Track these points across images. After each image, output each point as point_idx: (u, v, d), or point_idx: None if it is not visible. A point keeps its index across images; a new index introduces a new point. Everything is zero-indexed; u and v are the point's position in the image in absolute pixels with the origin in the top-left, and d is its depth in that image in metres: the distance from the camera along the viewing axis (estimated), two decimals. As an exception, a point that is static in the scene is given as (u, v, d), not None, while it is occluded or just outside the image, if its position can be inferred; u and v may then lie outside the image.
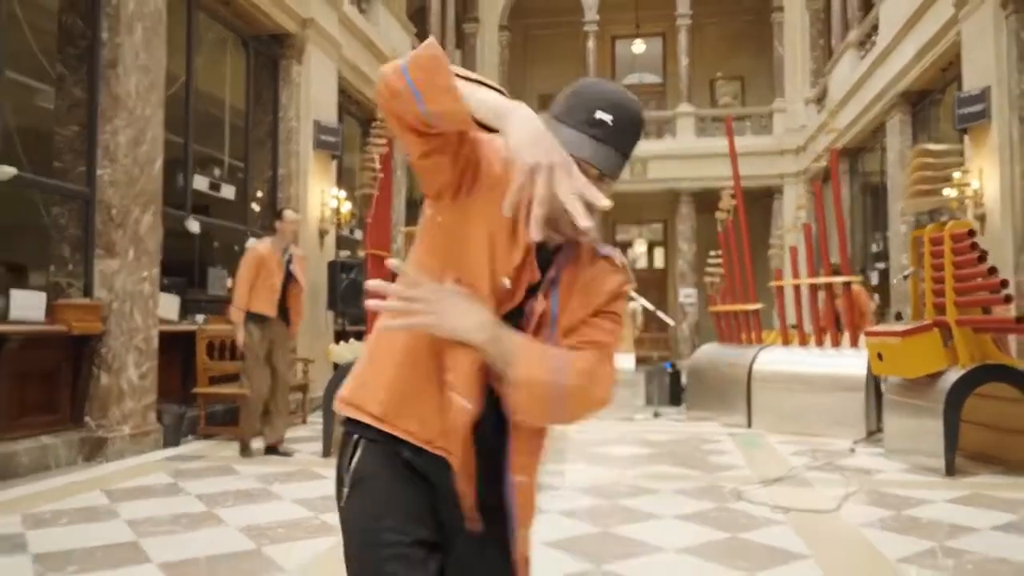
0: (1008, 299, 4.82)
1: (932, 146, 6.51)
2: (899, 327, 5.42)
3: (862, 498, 4.48)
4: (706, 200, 14.45)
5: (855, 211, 13.64)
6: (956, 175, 7.73)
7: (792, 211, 14.21)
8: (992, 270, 4.89)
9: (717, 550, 3.44)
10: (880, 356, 5.58)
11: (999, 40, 7.49)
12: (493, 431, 1.31)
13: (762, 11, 18.06)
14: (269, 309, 5.74)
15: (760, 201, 16.64)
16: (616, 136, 1.26)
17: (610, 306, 1.35)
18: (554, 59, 20.05)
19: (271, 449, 5.84)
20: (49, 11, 5.92)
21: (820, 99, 15.71)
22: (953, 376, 5.07)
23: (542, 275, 1.30)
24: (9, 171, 4.93)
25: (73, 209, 5.66)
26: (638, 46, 19.67)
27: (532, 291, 1.30)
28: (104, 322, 5.53)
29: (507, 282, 1.27)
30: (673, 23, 18.07)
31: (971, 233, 5.07)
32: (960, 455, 5.62)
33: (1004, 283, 4.80)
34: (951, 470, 5.03)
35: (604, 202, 1.14)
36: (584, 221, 1.10)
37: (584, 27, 18.12)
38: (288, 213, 6.01)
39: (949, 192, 7.68)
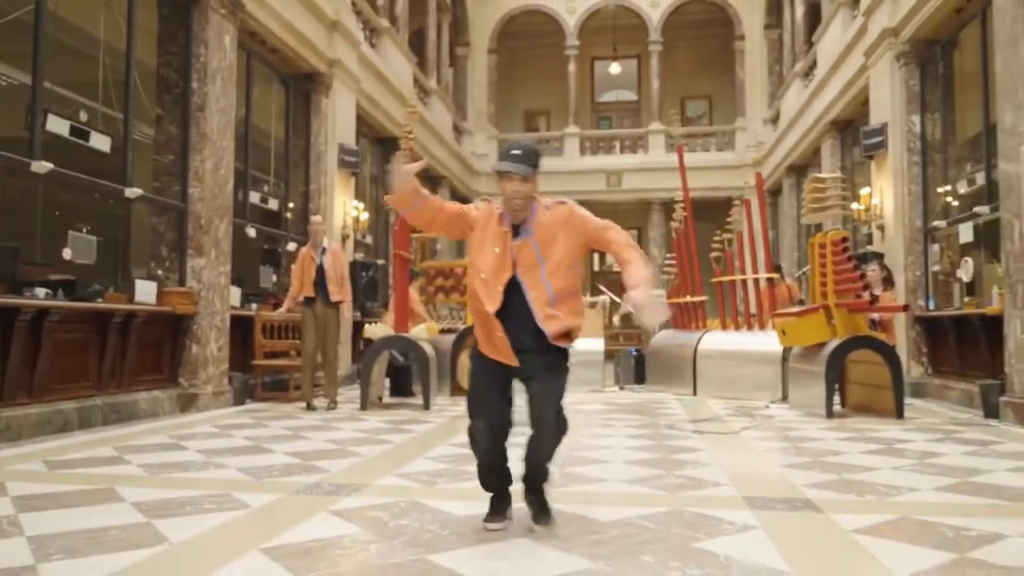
0: (866, 287, 6.67)
1: (821, 175, 8.34)
2: (795, 309, 7.26)
3: (759, 428, 6.29)
4: (674, 209, 16.29)
5: (799, 220, 15.53)
6: (863, 191, 9.62)
7: (743, 220, 16.06)
8: (856, 267, 6.73)
9: (649, 451, 5.22)
10: (784, 332, 7.42)
11: (894, 86, 9.39)
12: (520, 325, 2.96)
13: (726, 38, 20.00)
14: (310, 292, 7.49)
15: (723, 209, 18.49)
16: (520, 157, 2.85)
17: (586, 223, 2.94)
18: (538, 79, 21.92)
19: (330, 403, 7.57)
20: (149, 66, 7.61)
21: (775, 120, 17.65)
22: (833, 345, 6.90)
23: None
24: (136, 191, 6.65)
25: (170, 219, 7.37)
26: (615, 67, 21.58)
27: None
28: (196, 305, 7.24)
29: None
30: (646, 47, 19.96)
31: (844, 240, 6.90)
32: (846, 409, 7.49)
33: (863, 275, 6.65)
34: (830, 414, 6.84)
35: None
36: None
37: (566, 50, 19.97)
38: (312, 218, 7.85)
39: (856, 206, 9.57)
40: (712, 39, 21.01)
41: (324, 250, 7.59)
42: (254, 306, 8.77)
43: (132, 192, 6.64)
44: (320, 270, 7.49)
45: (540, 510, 3.07)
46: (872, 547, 2.80)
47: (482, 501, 3.55)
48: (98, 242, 6.67)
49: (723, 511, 3.35)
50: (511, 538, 2.97)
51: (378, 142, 13.24)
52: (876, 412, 7.16)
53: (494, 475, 3.13)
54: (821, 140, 13.02)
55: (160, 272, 7.34)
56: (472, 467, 4.42)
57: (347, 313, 7.77)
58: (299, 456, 4.80)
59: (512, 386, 3.03)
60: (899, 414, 6.80)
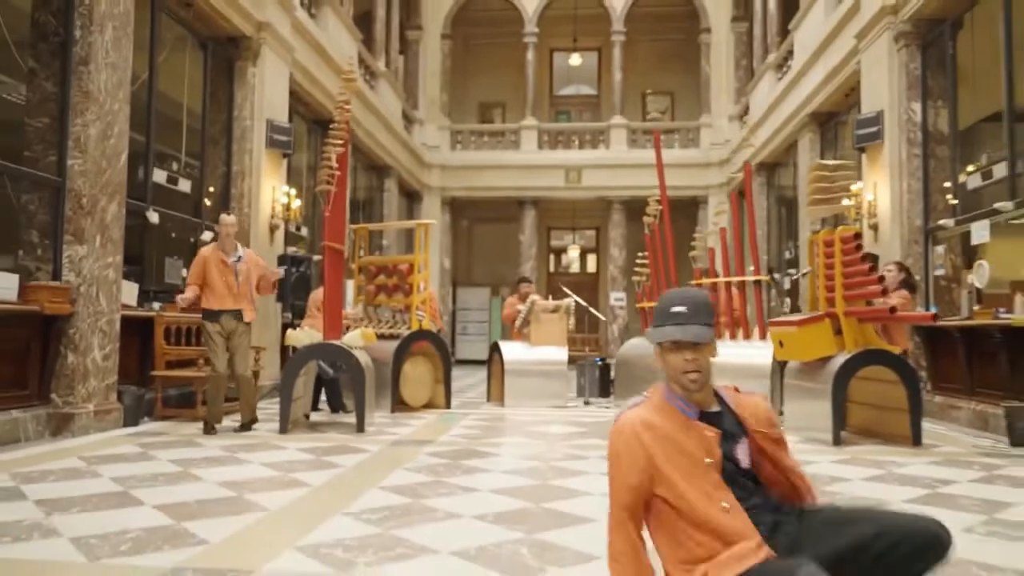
0: (884, 292, 5.65)
1: (827, 161, 7.38)
2: (796, 317, 6.22)
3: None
4: (636, 208, 15.25)
5: (771, 221, 14.69)
6: (854, 187, 8.69)
7: (713, 218, 15.14)
8: (872, 268, 5.72)
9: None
10: (781, 344, 6.38)
11: (892, 70, 8.48)
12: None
13: (691, 31, 19.12)
14: (218, 305, 6.20)
15: (686, 209, 17.60)
16: (691, 316, 1.92)
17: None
18: (495, 69, 20.73)
19: (243, 427, 6.27)
20: (21, 9, 6.19)
21: (743, 116, 16.80)
22: (840, 360, 5.87)
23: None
24: (-11, 158, 5.23)
25: (43, 197, 5.96)
26: (575, 59, 20.52)
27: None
28: (73, 304, 5.85)
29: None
30: (608, 38, 18.95)
31: (857, 236, 5.89)
32: (848, 431, 6.48)
33: (881, 278, 5.63)
34: (838, 441, 5.82)
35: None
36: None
37: (524, 39, 18.82)
38: (222, 217, 6.45)
39: (847, 202, 8.62)
40: (676, 32, 20.14)
41: (240, 257, 6.28)
42: (156, 306, 7.37)
43: (-17, 159, 5.23)
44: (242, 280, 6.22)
45: None
46: None
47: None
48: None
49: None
50: None
51: (316, 124, 11.87)
52: (884, 437, 6.18)
53: None
54: (799, 134, 12.13)
55: (29, 263, 5.93)
56: (411, 533, 3.25)
57: (249, 316, 6.43)
58: (172, 512, 3.51)
59: None
60: (916, 441, 5.82)
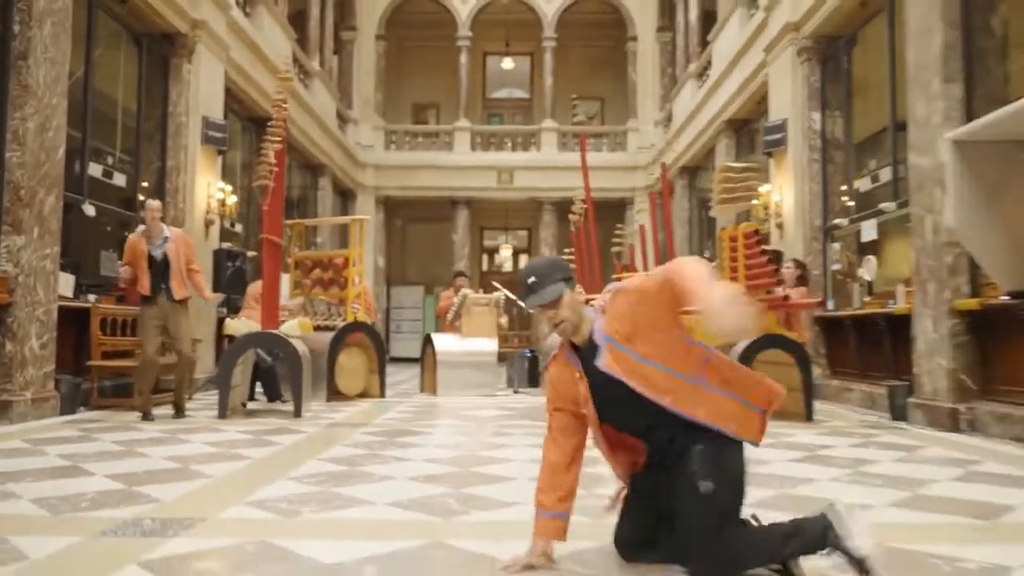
0: (780, 282, 6.28)
1: (734, 164, 8.04)
2: (705, 306, 6.80)
3: (670, 435, 5.73)
4: (567, 209, 15.76)
5: (692, 222, 15.47)
6: (763, 189, 9.39)
7: (636, 217, 15.83)
8: (770, 261, 6.33)
9: (554, 460, 4.52)
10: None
11: (795, 82, 9.21)
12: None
13: (619, 39, 19.84)
14: (146, 289, 6.38)
15: (614, 210, 18.29)
16: (540, 283, 2.26)
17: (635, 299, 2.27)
18: (429, 71, 21.03)
19: (179, 411, 6.45)
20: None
21: (667, 122, 17.58)
22: (743, 344, 6.47)
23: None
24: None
25: (-21, 188, 6.05)
26: (508, 63, 21.02)
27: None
28: (11, 294, 5.96)
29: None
30: (540, 44, 19.50)
31: (757, 232, 6.50)
32: (752, 411, 7.08)
33: (776, 271, 6.25)
34: (740, 417, 6.40)
35: None
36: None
37: (458, 42, 19.20)
38: (147, 202, 6.61)
39: (755, 202, 9.33)
40: (605, 40, 20.83)
41: (166, 239, 6.46)
42: (92, 297, 7.47)
43: (-79, 150, 5.33)
44: (162, 262, 6.37)
45: None
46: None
47: (356, 540, 2.74)
48: None
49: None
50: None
51: (251, 122, 11.99)
52: (781, 415, 6.79)
53: None
54: (716, 140, 12.89)
55: (-35, 253, 6.01)
56: (349, 491, 3.61)
57: (180, 294, 6.57)
58: (123, 479, 3.77)
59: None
60: (808, 416, 6.46)
